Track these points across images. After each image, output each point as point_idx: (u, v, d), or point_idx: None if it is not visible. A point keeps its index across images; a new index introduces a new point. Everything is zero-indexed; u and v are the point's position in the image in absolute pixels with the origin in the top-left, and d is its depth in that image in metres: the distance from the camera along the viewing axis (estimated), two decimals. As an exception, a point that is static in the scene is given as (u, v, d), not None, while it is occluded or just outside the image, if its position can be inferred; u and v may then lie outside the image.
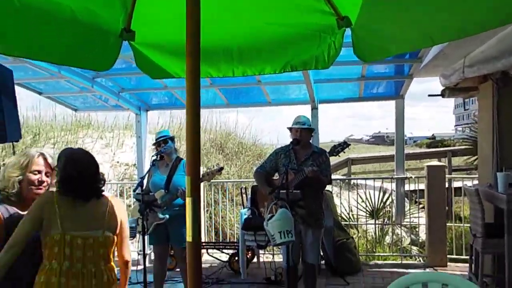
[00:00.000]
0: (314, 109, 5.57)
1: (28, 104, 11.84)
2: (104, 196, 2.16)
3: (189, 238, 1.40)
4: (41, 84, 5.56)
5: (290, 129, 3.67)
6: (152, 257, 5.20)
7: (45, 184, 2.19)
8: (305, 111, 5.66)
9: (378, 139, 76.12)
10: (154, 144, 4.17)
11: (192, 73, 1.43)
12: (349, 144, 3.61)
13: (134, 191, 4.13)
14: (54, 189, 2.12)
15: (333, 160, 3.71)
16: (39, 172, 2.17)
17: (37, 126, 10.18)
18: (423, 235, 5.94)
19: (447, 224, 5.55)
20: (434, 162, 5.94)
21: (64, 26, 1.63)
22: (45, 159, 2.21)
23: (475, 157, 6.27)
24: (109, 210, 2.13)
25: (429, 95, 5.56)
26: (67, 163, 2.05)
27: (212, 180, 4.31)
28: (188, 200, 1.39)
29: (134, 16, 1.91)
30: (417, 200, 6.88)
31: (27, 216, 1.99)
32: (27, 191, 2.15)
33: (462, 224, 5.70)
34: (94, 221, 2.07)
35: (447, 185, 5.76)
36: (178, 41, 1.93)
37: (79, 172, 2.04)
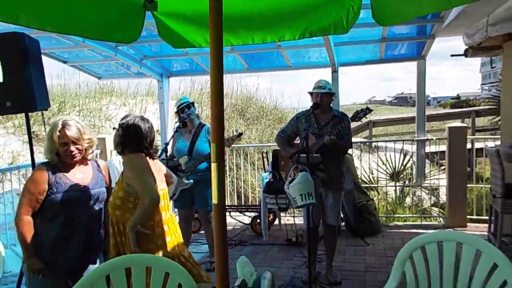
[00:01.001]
0: (335, 72, 5.54)
1: (53, 72, 11.99)
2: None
3: (214, 200, 1.50)
4: (65, 53, 5.68)
5: (311, 93, 3.69)
6: (178, 220, 5.46)
7: (75, 153, 2.33)
8: (325, 74, 5.64)
9: (401, 100, 74.41)
10: (176, 112, 4.26)
11: (215, 43, 1.48)
12: (371, 110, 3.59)
13: (159, 156, 4.28)
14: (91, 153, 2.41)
15: (355, 122, 3.71)
16: (66, 143, 2.31)
17: (62, 94, 10.42)
18: (444, 197, 5.97)
19: (469, 185, 5.55)
20: (456, 123, 5.87)
21: (91, 1, 1.70)
22: (65, 130, 2.31)
23: (500, 117, 6.14)
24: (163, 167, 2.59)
25: (452, 55, 5.42)
26: (135, 122, 2.42)
27: (233, 145, 4.41)
28: (214, 166, 1.48)
29: (156, -13, 1.95)
30: (438, 161, 6.87)
31: (147, 174, 2.32)
32: (66, 159, 2.34)
33: (483, 185, 5.69)
34: (162, 177, 2.50)
35: (469, 146, 5.71)
36: (200, 10, 1.98)
37: (145, 132, 2.41)
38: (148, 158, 2.39)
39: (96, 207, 2.43)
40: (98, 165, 2.55)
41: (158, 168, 2.47)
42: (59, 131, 2.30)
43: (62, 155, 2.31)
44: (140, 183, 2.27)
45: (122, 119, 2.45)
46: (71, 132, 2.31)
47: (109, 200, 2.42)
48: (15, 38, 3.28)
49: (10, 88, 3.25)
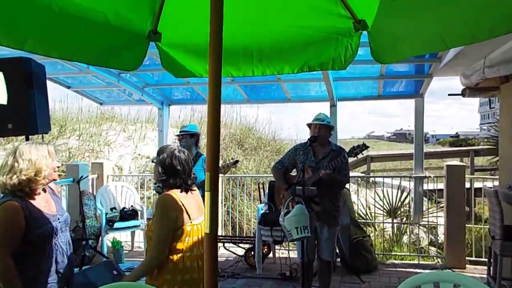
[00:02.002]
0: (333, 106, 5.61)
1: (55, 96, 12.13)
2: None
3: (206, 229, 1.49)
4: (70, 79, 5.78)
5: (310, 125, 3.72)
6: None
7: (59, 167, 2.35)
8: (324, 107, 5.71)
9: (400, 137, 74.93)
10: (177, 135, 4.27)
11: (214, 74, 1.51)
12: (368, 146, 3.60)
13: (155, 183, 4.26)
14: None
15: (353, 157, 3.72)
16: (53, 158, 2.26)
17: (63, 118, 10.50)
18: (442, 236, 5.90)
19: (468, 225, 5.50)
20: (454, 162, 5.88)
21: (97, 29, 1.75)
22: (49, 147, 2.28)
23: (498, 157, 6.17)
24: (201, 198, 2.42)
25: (449, 94, 5.51)
26: (173, 157, 2.28)
27: (231, 174, 4.42)
28: (207, 195, 1.47)
29: (161, 19, 2.01)
30: (436, 199, 6.83)
31: (164, 223, 2.19)
32: (51, 180, 2.25)
33: (482, 226, 5.63)
34: (200, 208, 2.37)
35: (468, 186, 5.69)
36: (202, 42, 2.02)
37: (183, 166, 2.30)
38: (185, 193, 2.32)
39: (67, 232, 2.38)
40: (52, 189, 2.40)
41: (195, 201, 2.38)
42: (50, 146, 2.25)
43: (51, 173, 2.21)
44: (156, 234, 2.21)
45: (159, 154, 2.35)
46: (51, 147, 2.30)
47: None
48: (22, 62, 3.36)
49: (13, 111, 3.29)
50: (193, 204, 2.33)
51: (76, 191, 5.32)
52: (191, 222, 2.27)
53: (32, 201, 2.16)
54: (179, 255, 2.22)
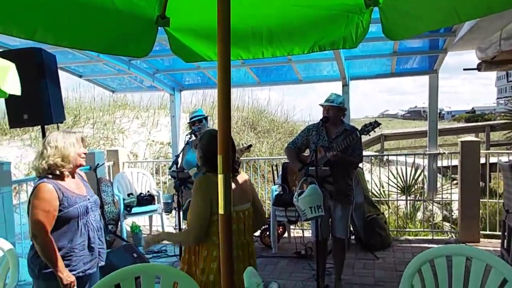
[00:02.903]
0: (345, 85, 5.56)
1: (69, 86, 12.26)
2: (241, 171, 2.43)
3: (221, 210, 1.52)
4: (81, 68, 5.84)
5: (322, 106, 3.73)
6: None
7: (86, 153, 2.52)
8: (337, 87, 5.66)
9: (415, 114, 73.84)
10: (188, 123, 4.33)
11: (223, 57, 1.52)
12: (380, 124, 3.59)
13: (169, 168, 4.35)
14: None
15: (366, 136, 3.71)
16: (81, 146, 2.48)
17: (77, 107, 10.64)
18: (456, 212, 5.89)
19: (482, 200, 5.47)
20: (468, 138, 5.83)
21: (106, 17, 1.77)
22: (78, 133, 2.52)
23: (514, 131, 6.09)
24: (249, 184, 2.41)
25: (465, 69, 5.40)
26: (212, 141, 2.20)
27: (244, 158, 4.45)
28: (220, 177, 1.51)
29: (169, 3, 2.01)
30: (450, 176, 6.79)
31: (199, 203, 2.18)
32: (77, 165, 2.45)
33: (497, 200, 5.60)
34: (245, 194, 2.32)
35: (483, 161, 5.64)
36: (211, 25, 2.03)
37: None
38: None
39: (97, 213, 2.57)
40: (81, 175, 2.63)
41: (239, 186, 2.29)
42: (78, 134, 2.47)
43: (77, 159, 2.42)
44: (192, 213, 2.21)
45: (199, 139, 2.38)
46: (81, 135, 2.54)
47: None
48: (33, 53, 3.41)
49: (27, 102, 3.36)
50: (236, 190, 2.20)
51: (94, 178, 5.44)
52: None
53: (63, 183, 2.37)
54: (215, 242, 2.11)
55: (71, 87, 11.54)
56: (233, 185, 2.21)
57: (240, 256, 2.22)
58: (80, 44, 1.84)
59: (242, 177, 2.37)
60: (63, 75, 5.84)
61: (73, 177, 2.47)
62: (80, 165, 2.48)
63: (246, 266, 2.16)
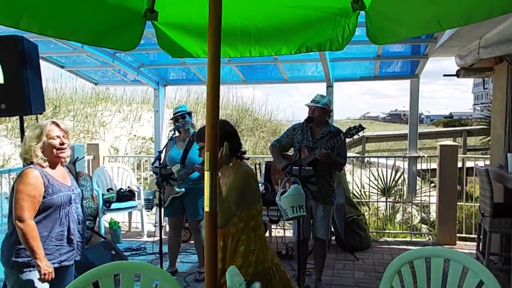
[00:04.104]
0: (330, 87, 5.61)
1: (49, 76, 11.99)
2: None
3: (207, 208, 1.51)
4: (63, 58, 5.70)
5: (308, 106, 3.76)
6: (168, 229, 5.44)
7: (65, 145, 2.43)
8: (321, 88, 5.72)
9: (395, 117, 75.15)
10: (172, 119, 4.29)
11: (213, 54, 1.51)
12: (364, 128, 3.64)
13: (152, 164, 4.29)
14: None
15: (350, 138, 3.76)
16: (58, 136, 2.39)
17: (58, 98, 10.41)
18: (434, 214, 6.02)
19: (459, 203, 5.62)
20: (447, 142, 5.95)
21: (93, 8, 1.74)
22: (57, 125, 2.42)
23: (490, 137, 6.26)
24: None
25: (444, 75, 5.52)
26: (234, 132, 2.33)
27: (227, 155, 4.43)
28: (207, 174, 1.50)
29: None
30: (429, 179, 6.93)
31: (238, 189, 2.22)
32: (51, 156, 2.38)
33: (473, 204, 5.75)
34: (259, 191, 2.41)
35: (460, 165, 5.79)
36: (200, 22, 2.02)
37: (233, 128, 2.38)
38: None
39: (80, 206, 2.54)
40: (68, 168, 2.63)
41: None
42: (51, 125, 2.38)
43: (49, 150, 2.36)
44: (232, 198, 2.23)
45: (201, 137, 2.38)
46: (64, 125, 2.44)
47: None
48: (14, 41, 3.31)
49: (6, 91, 3.25)
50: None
51: (72, 172, 5.34)
52: (260, 203, 2.35)
53: (50, 171, 2.37)
54: (251, 236, 2.27)
55: (52, 78, 11.27)
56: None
57: (265, 244, 2.36)
58: (66, 34, 1.80)
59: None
60: (44, 65, 5.70)
61: (54, 168, 2.43)
62: (58, 157, 2.41)
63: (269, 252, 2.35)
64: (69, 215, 2.41)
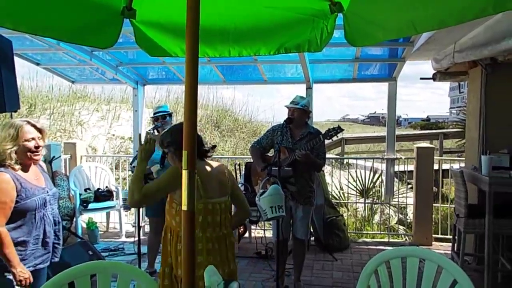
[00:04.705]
0: (309, 88, 5.65)
1: (25, 74, 11.69)
2: (221, 163, 2.42)
3: (184, 207, 1.50)
4: (39, 55, 5.58)
5: (288, 107, 3.77)
6: (146, 229, 5.37)
7: (40, 148, 2.32)
8: (301, 89, 5.74)
9: (374, 120, 76.31)
10: (152, 117, 4.25)
11: (191, 54, 1.50)
12: (343, 129, 3.68)
13: (130, 164, 4.24)
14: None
15: (329, 140, 3.79)
16: (33, 138, 2.28)
17: (33, 96, 10.17)
18: (411, 215, 6.13)
19: (435, 204, 5.73)
20: (424, 144, 6.08)
21: (70, 4, 1.70)
22: (33, 125, 2.31)
23: (465, 140, 6.42)
24: (228, 176, 2.37)
25: (421, 78, 5.63)
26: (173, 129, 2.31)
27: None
28: (185, 173, 1.49)
29: (136, -6, 1.97)
30: (406, 180, 7.06)
31: (163, 184, 2.21)
32: (25, 158, 2.27)
33: (448, 205, 5.88)
34: (223, 187, 2.29)
35: (436, 167, 5.90)
36: (178, 21, 2.01)
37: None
38: (208, 167, 2.28)
39: (55, 206, 2.48)
40: (41, 167, 2.51)
41: (216, 178, 2.29)
42: (26, 125, 2.27)
43: (23, 152, 2.25)
44: (155, 184, 2.27)
45: (164, 142, 2.38)
46: (40, 125, 2.33)
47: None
48: (-14, 37, 3.22)
49: (-21, 88, 3.16)
50: (212, 182, 2.24)
51: (49, 171, 5.22)
52: (205, 200, 2.18)
53: (22, 174, 2.27)
54: (198, 236, 2.14)
55: (27, 75, 11.00)
56: (209, 176, 2.25)
57: (217, 249, 2.22)
58: (41, 30, 1.76)
59: (220, 169, 2.37)
60: (19, 62, 5.56)
61: (27, 169, 2.32)
62: (32, 160, 2.32)
63: (224, 258, 2.25)
64: (44, 218, 2.34)
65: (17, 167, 2.25)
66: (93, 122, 9.85)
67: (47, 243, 2.37)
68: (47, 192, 2.39)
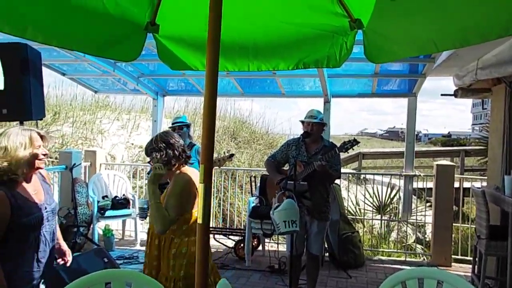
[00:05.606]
0: (327, 102, 5.65)
1: (51, 83, 12.04)
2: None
3: (199, 220, 1.52)
4: (65, 66, 5.76)
5: (302, 122, 3.76)
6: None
7: (47, 155, 2.20)
8: (318, 103, 5.75)
9: (393, 134, 75.41)
10: (169, 127, 4.31)
11: (211, 68, 1.53)
12: (359, 142, 3.64)
13: (147, 173, 4.30)
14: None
15: (344, 153, 3.76)
16: (39, 146, 2.15)
17: (58, 105, 10.43)
18: (430, 234, 6.00)
19: (455, 224, 5.59)
20: (444, 161, 5.97)
21: (96, 20, 1.77)
22: (37, 132, 2.17)
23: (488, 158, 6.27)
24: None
25: (442, 95, 5.57)
26: (174, 141, 2.36)
27: (223, 167, 4.44)
28: (201, 186, 1.51)
29: (160, 10, 2.03)
30: (425, 198, 6.92)
31: (183, 201, 2.26)
32: (33, 167, 2.14)
33: (469, 225, 5.73)
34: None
35: (457, 185, 5.78)
36: (199, 35, 2.05)
37: (172, 138, 2.38)
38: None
39: (54, 221, 2.33)
40: (42, 175, 2.34)
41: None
42: (33, 133, 2.13)
43: (33, 160, 2.11)
44: (172, 206, 2.28)
45: (148, 150, 2.42)
46: (43, 132, 2.20)
47: None
48: (18, 48, 3.35)
49: (8, 96, 3.28)
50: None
51: (69, 178, 5.33)
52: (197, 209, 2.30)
53: (19, 189, 2.09)
54: (185, 240, 2.30)
55: (53, 84, 11.32)
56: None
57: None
58: (69, 45, 1.84)
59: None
60: (45, 72, 5.74)
61: (28, 181, 2.17)
62: (38, 169, 2.18)
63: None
64: (40, 237, 2.17)
65: (21, 179, 2.09)
66: (113, 130, 10.03)
67: (40, 262, 2.20)
68: (45, 208, 2.21)
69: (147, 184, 2.37)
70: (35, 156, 2.11)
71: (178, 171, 2.38)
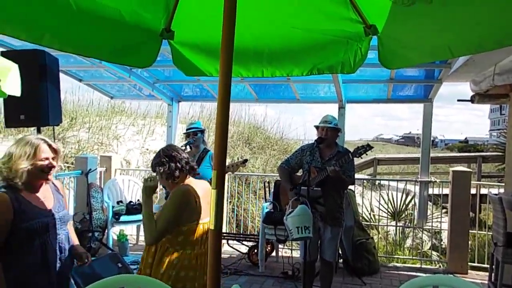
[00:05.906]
0: (342, 108, 5.62)
1: (68, 88, 12.24)
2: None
3: (211, 226, 1.53)
4: (82, 72, 5.86)
5: (317, 127, 3.75)
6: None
7: (54, 169, 2.20)
8: (333, 109, 5.74)
9: (408, 140, 74.57)
10: (184, 133, 4.34)
11: (224, 74, 1.55)
12: (372, 147, 3.61)
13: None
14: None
15: (359, 159, 3.73)
16: (47, 158, 2.15)
17: (74, 110, 10.60)
18: (446, 241, 5.90)
19: (472, 231, 5.49)
20: (460, 168, 5.88)
21: (112, 27, 1.80)
22: (49, 145, 2.19)
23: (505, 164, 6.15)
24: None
25: (459, 100, 5.49)
26: (176, 154, 2.42)
27: (237, 172, 4.44)
28: (213, 192, 1.51)
29: (175, 17, 2.06)
30: (441, 204, 6.82)
31: (175, 212, 2.28)
32: (37, 178, 2.16)
33: (486, 232, 5.62)
34: (209, 207, 2.37)
35: (474, 192, 5.69)
36: (214, 42, 2.07)
37: (175, 151, 2.45)
38: (201, 190, 2.42)
39: (64, 231, 2.31)
40: (56, 186, 2.36)
41: (208, 200, 2.35)
42: (42, 144, 2.15)
43: (36, 172, 2.12)
44: (162, 217, 2.32)
45: (153, 165, 2.51)
46: (55, 146, 2.21)
47: None
48: (36, 54, 3.43)
49: (25, 102, 3.36)
50: (206, 203, 2.38)
51: (84, 183, 5.41)
52: (198, 222, 2.35)
53: (26, 194, 2.11)
54: (179, 252, 2.31)
55: (70, 90, 11.52)
56: (207, 199, 2.36)
57: (199, 264, 2.36)
58: (85, 51, 1.88)
59: (208, 189, 2.45)
60: (63, 78, 5.85)
61: (34, 190, 2.17)
62: (43, 180, 2.19)
63: (202, 273, 2.35)
64: (46, 243, 2.16)
65: (21, 186, 2.09)
66: (129, 136, 10.15)
67: (49, 269, 2.19)
68: (52, 215, 2.20)
69: (142, 197, 2.42)
70: (37, 168, 2.11)
71: (181, 184, 2.41)
